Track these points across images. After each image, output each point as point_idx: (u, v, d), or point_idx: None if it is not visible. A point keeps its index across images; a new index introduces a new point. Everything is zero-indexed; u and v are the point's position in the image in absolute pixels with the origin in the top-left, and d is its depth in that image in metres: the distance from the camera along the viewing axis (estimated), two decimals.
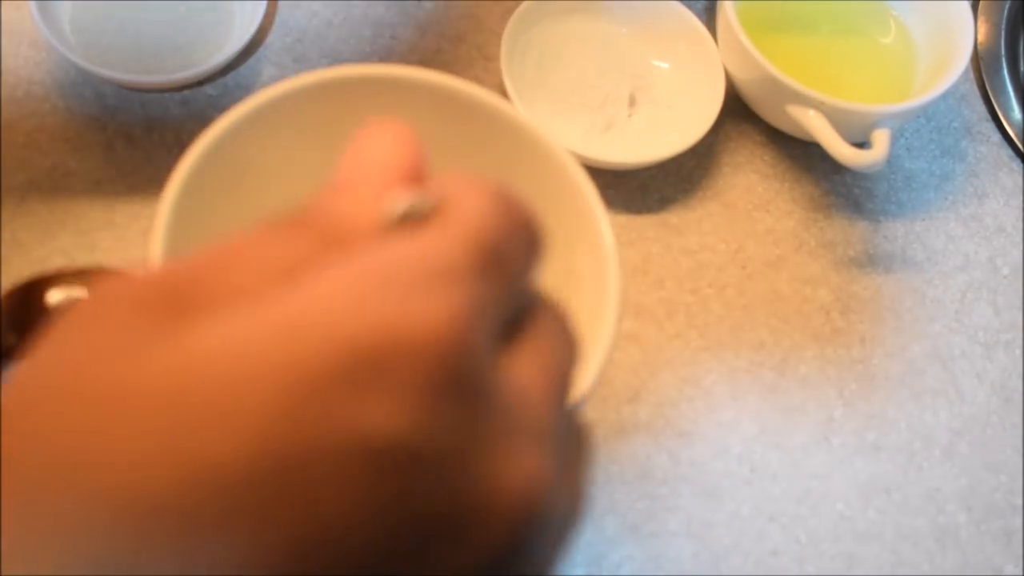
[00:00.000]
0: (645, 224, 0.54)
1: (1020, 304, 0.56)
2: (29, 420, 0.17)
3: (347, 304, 0.17)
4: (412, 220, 0.19)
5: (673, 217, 0.55)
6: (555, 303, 0.21)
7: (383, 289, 0.17)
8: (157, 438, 0.16)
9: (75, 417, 0.16)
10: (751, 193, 0.56)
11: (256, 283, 0.18)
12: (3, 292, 0.30)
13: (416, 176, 0.21)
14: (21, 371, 0.18)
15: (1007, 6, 0.64)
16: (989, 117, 0.62)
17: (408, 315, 0.17)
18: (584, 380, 0.31)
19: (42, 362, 0.18)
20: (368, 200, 0.20)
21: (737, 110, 0.57)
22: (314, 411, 0.16)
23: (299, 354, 0.16)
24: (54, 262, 0.48)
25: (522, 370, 0.19)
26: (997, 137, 0.61)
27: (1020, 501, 0.51)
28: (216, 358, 0.16)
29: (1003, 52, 0.63)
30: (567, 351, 0.21)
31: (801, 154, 0.58)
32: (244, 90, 0.54)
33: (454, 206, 0.19)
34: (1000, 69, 0.63)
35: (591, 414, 0.49)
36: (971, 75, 0.63)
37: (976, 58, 0.63)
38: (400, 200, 0.19)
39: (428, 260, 0.18)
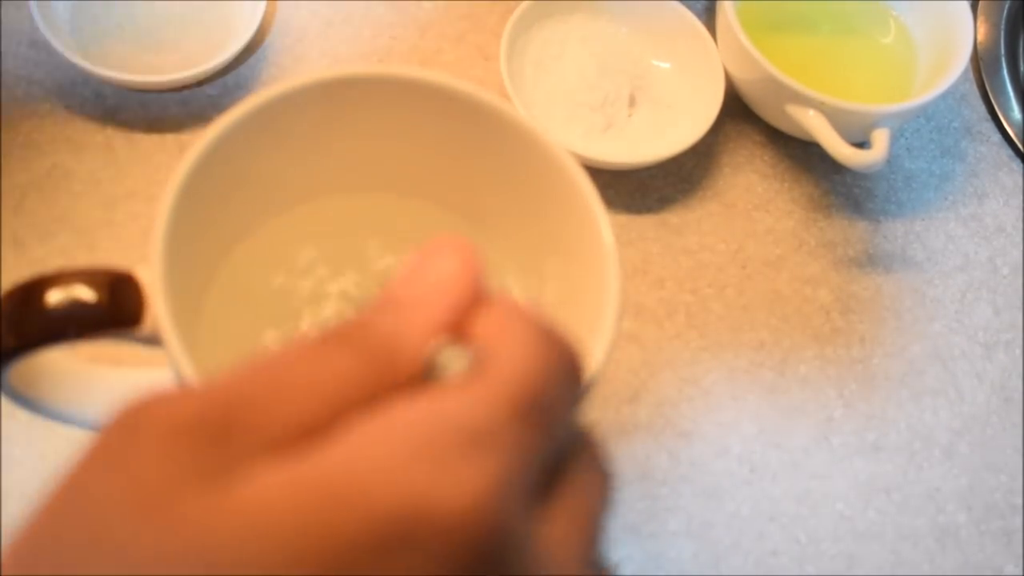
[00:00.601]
0: (645, 224, 0.54)
1: (1020, 304, 0.56)
2: (48, 568, 0.17)
3: (381, 469, 0.17)
4: (448, 372, 0.19)
5: (673, 217, 0.55)
6: (592, 437, 0.21)
7: (418, 455, 0.17)
8: None
9: (102, 560, 0.16)
10: (751, 193, 0.56)
11: (296, 413, 0.18)
12: (3, 292, 0.30)
13: (475, 303, 0.20)
14: (50, 500, 0.17)
15: (1007, 6, 0.64)
16: (989, 117, 0.62)
17: (439, 487, 0.17)
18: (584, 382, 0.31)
19: (71, 502, 0.17)
20: (424, 326, 0.19)
21: (737, 110, 0.57)
22: None
23: (327, 524, 0.16)
24: (54, 262, 0.48)
25: (557, 526, 0.19)
26: (997, 137, 0.61)
27: (1020, 501, 0.51)
28: (243, 520, 0.16)
29: (1003, 52, 0.63)
30: (602, 495, 0.20)
31: (801, 154, 0.58)
32: (244, 90, 0.54)
33: (496, 356, 0.19)
34: (1000, 69, 0.63)
35: (591, 414, 0.49)
36: (971, 75, 0.63)
37: (976, 58, 0.63)
38: (439, 351, 0.19)
39: (465, 422, 0.18)
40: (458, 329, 0.20)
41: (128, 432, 0.18)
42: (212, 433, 0.17)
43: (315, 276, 0.38)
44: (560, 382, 0.20)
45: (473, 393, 0.18)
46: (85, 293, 0.29)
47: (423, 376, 0.19)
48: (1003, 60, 0.63)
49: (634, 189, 0.55)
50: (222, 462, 0.17)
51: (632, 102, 0.56)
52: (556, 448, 0.20)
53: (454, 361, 0.19)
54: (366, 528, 0.16)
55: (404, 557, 0.16)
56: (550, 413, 0.19)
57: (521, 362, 0.19)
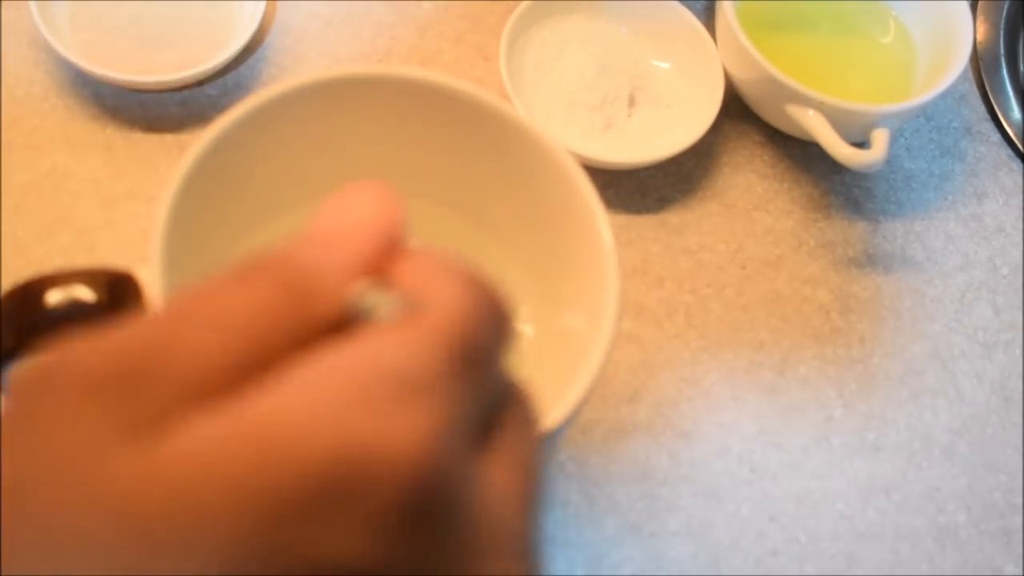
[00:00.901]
0: (644, 224, 0.54)
1: (1020, 304, 0.56)
2: None
3: (317, 417, 0.16)
4: (377, 317, 0.19)
5: (672, 217, 0.55)
6: (521, 387, 0.21)
7: (355, 402, 0.16)
8: (110, 560, 0.15)
9: (25, 534, 0.16)
10: (750, 193, 0.56)
11: (218, 355, 0.17)
12: (3, 292, 0.30)
13: (394, 245, 0.20)
14: None
15: (1006, 6, 0.65)
16: (988, 117, 0.62)
17: (381, 434, 0.16)
18: (582, 388, 0.31)
19: None
20: (343, 262, 0.19)
21: (736, 110, 0.57)
22: (277, 536, 0.16)
23: (264, 474, 0.16)
24: (54, 262, 0.48)
25: (499, 475, 0.19)
26: (996, 137, 0.61)
27: (1020, 501, 0.51)
28: (177, 473, 0.16)
29: (1002, 52, 0.63)
30: (536, 444, 0.20)
31: (800, 154, 0.58)
32: (244, 90, 0.54)
33: (428, 301, 0.19)
34: (999, 69, 0.63)
35: (591, 414, 0.49)
36: (970, 75, 0.63)
37: (975, 58, 0.63)
38: (366, 298, 0.19)
39: (402, 369, 0.17)
40: (382, 273, 0.20)
41: (39, 391, 0.17)
42: (129, 383, 0.16)
43: None
44: (491, 328, 0.19)
45: (409, 339, 0.18)
46: (85, 293, 0.29)
47: (350, 319, 0.19)
48: (1003, 60, 0.63)
49: (634, 189, 0.55)
50: (145, 415, 0.16)
51: (632, 102, 0.56)
52: (490, 397, 0.19)
53: (380, 306, 0.19)
54: (304, 477, 0.16)
55: (344, 506, 0.16)
56: (484, 360, 0.19)
57: (453, 308, 0.19)
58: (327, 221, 0.20)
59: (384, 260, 0.20)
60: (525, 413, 0.20)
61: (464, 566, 0.17)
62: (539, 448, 0.20)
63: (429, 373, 0.17)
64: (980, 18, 0.64)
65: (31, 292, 0.29)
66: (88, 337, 0.17)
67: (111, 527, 0.15)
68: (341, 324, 0.18)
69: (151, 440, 0.16)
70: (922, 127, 0.60)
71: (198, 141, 0.32)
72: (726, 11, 0.54)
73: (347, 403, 0.16)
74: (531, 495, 0.19)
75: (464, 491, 0.17)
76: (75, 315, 0.29)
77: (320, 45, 0.56)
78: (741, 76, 0.55)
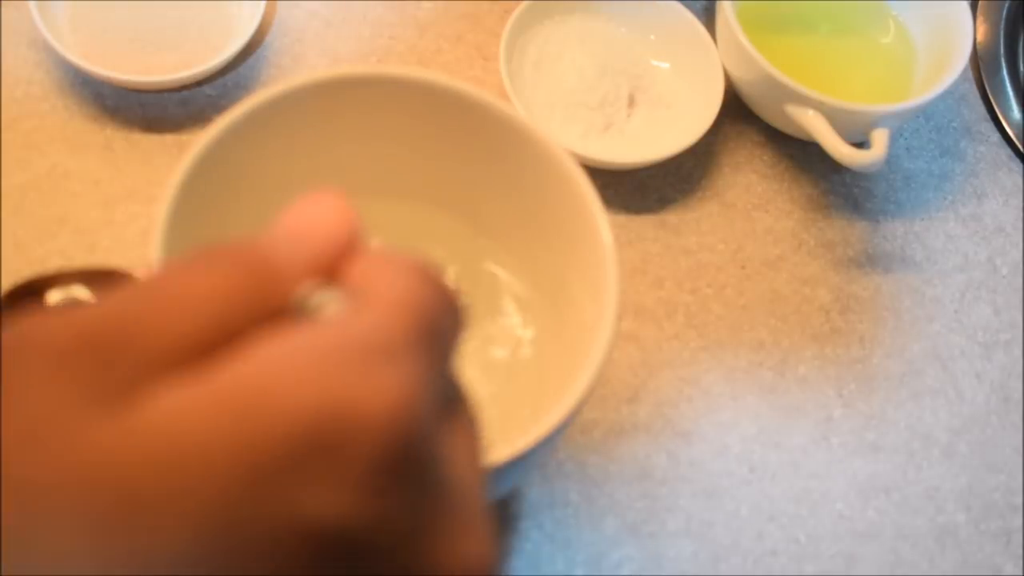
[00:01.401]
0: (644, 224, 0.54)
1: (1019, 304, 0.56)
2: None
3: (294, 379, 0.16)
4: (319, 313, 0.19)
5: (672, 217, 0.55)
6: (465, 388, 0.21)
7: (329, 365, 0.17)
8: (93, 529, 0.15)
9: (2, 500, 0.15)
10: (750, 193, 0.56)
11: (186, 329, 0.17)
12: (3, 292, 0.30)
13: (350, 248, 0.20)
14: None
15: (1006, 6, 0.65)
16: (988, 117, 0.62)
17: (358, 392, 0.16)
18: (582, 388, 0.31)
19: None
20: (302, 255, 0.19)
21: (736, 110, 0.57)
22: (263, 496, 0.16)
23: (247, 434, 0.16)
24: (53, 262, 0.48)
25: (458, 450, 0.19)
26: (996, 137, 0.61)
27: (1019, 501, 0.51)
28: (156, 438, 0.16)
29: (1002, 52, 0.63)
30: (481, 436, 0.21)
31: (800, 154, 0.58)
32: (244, 90, 0.54)
33: (383, 286, 0.19)
34: (999, 69, 0.63)
35: (591, 414, 0.49)
36: (970, 75, 0.63)
37: (975, 58, 0.63)
38: (314, 296, 0.19)
39: (370, 337, 0.17)
40: (335, 275, 0.20)
41: (9, 360, 0.17)
42: (101, 353, 0.16)
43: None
44: (447, 313, 0.20)
45: (371, 315, 0.18)
46: (84, 293, 0.29)
47: (300, 314, 0.19)
48: (1003, 60, 0.63)
49: (633, 189, 0.55)
50: (118, 383, 0.16)
51: (631, 102, 0.56)
52: (447, 379, 0.20)
53: (328, 304, 0.19)
54: (286, 434, 0.16)
55: (327, 462, 0.16)
56: (443, 340, 0.19)
57: (411, 289, 0.19)
58: (291, 221, 0.20)
59: (340, 262, 0.20)
60: (471, 411, 0.21)
61: (442, 523, 0.18)
62: (481, 441, 0.21)
63: (396, 341, 0.18)
64: (980, 18, 0.64)
65: (31, 292, 0.29)
66: (56, 312, 0.17)
67: (90, 493, 0.15)
68: (293, 316, 0.19)
69: (124, 408, 0.16)
70: (922, 127, 0.60)
71: (198, 141, 0.32)
72: (726, 11, 0.54)
73: (321, 366, 0.17)
74: (483, 470, 0.20)
75: (438, 450, 0.18)
76: None
77: (320, 45, 0.56)
78: (741, 76, 0.55)
